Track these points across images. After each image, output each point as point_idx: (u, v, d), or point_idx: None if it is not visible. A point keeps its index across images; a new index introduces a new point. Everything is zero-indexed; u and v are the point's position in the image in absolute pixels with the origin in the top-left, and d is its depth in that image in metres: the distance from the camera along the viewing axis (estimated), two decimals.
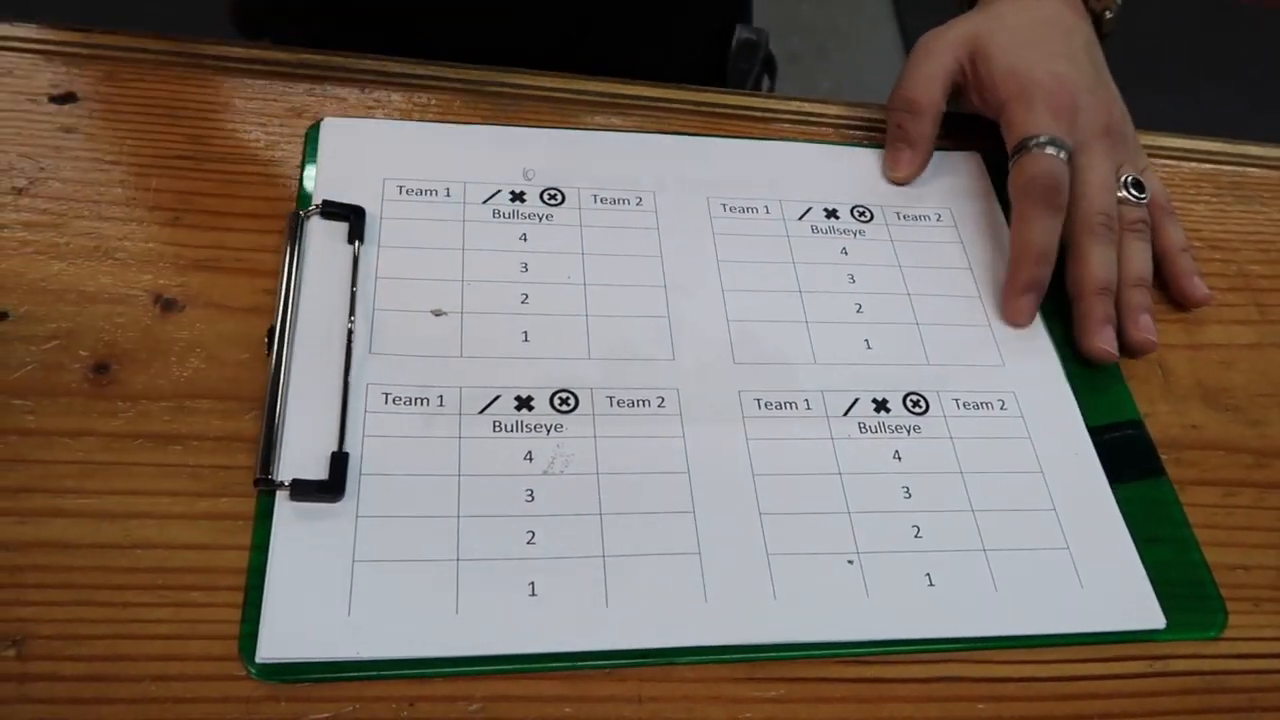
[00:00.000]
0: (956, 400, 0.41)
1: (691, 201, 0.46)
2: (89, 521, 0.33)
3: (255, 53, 0.47)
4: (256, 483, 0.34)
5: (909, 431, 0.40)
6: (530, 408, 0.38)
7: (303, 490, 0.34)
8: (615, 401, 0.39)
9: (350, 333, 0.38)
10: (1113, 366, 0.44)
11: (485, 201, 0.44)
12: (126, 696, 0.31)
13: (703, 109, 0.50)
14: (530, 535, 0.35)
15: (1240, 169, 0.54)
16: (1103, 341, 0.43)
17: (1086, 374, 0.43)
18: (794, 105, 0.52)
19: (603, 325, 0.41)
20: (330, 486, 0.34)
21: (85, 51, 0.46)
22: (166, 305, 0.38)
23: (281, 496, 0.34)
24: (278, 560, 0.33)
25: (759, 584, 0.35)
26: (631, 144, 0.48)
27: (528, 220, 0.43)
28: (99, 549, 0.33)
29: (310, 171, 0.43)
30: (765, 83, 0.71)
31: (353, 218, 0.41)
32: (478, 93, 0.48)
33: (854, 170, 0.49)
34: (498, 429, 0.37)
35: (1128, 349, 0.44)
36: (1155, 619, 0.37)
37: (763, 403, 0.40)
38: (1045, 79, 0.46)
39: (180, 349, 0.37)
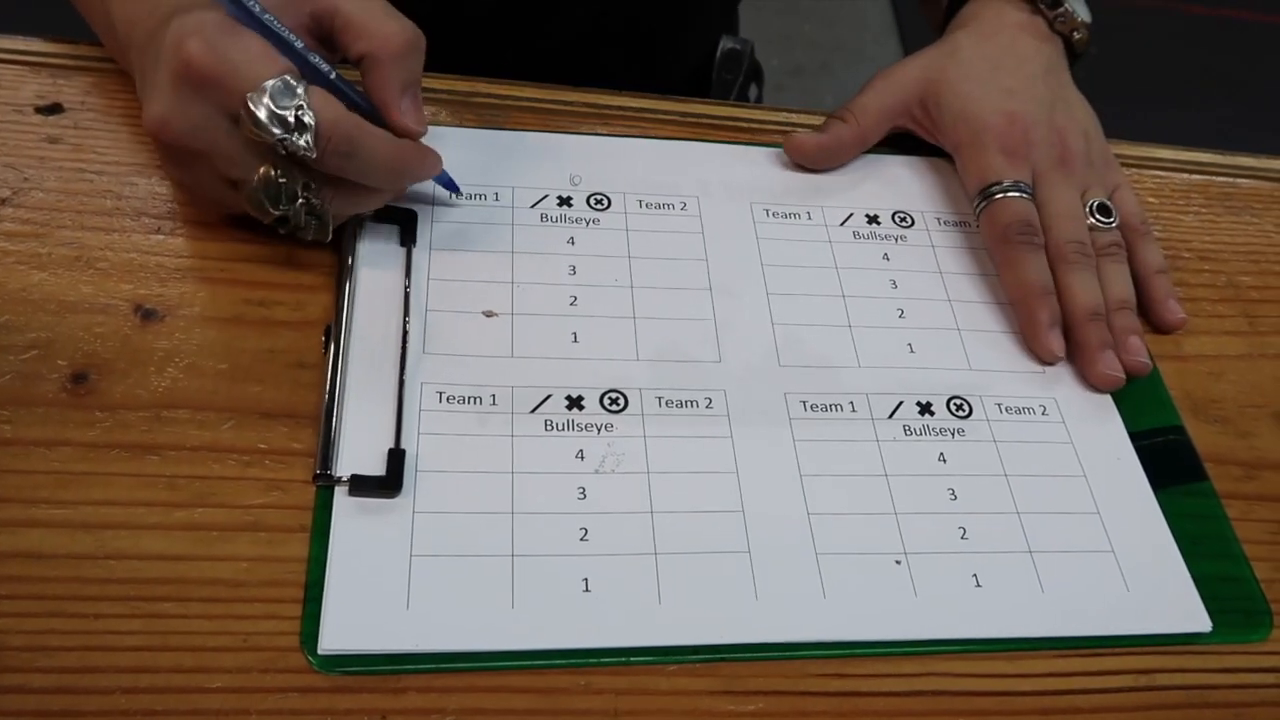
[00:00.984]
0: (999, 405, 0.42)
1: (735, 207, 0.46)
2: (63, 532, 0.33)
3: None
4: (315, 478, 0.35)
5: (953, 434, 0.40)
6: (581, 407, 0.38)
7: (361, 486, 0.35)
8: (664, 402, 0.39)
9: (406, 332, 0.39)
10: (1153, 372, 0.44)
11: (533, 206, 0.44)
12: (96, 709, 0.30)
13: (688, 119, 0.50)
14: (583, 532, 0.35)
15: (1231, 180, 0.54)
16: (1106, 368, 0.43)
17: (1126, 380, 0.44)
18: (780, 116, 0.52)
19: (650, 327, 0.41)
20: (388, 482, 0.35)
21: (72, 63, 0.46)
22: (147, 315, 0.38)
23: (340, 492, 0.35)
24: (337, 555, 0.33)
25: (809, 583, 0.35)
26: (673, 151, 0.48)
27: (575, 224, 0.44)
28: (73, 560, 0.33)
29: None
30: (754, 91, 0.72)
31: (404, 221, 0.42)
32: (463, 104, 0.48)
33: (893, 177, 0.50)
34: (549, 428, 0.38)
35: None
36: (1201, 622, 0.37)
37: (808, 405, 0.40)
38: (994, 120, 0.46)
39: (159, 359, 0.37)
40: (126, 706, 0.31)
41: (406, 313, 0.39)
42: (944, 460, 0.39)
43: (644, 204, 0.46)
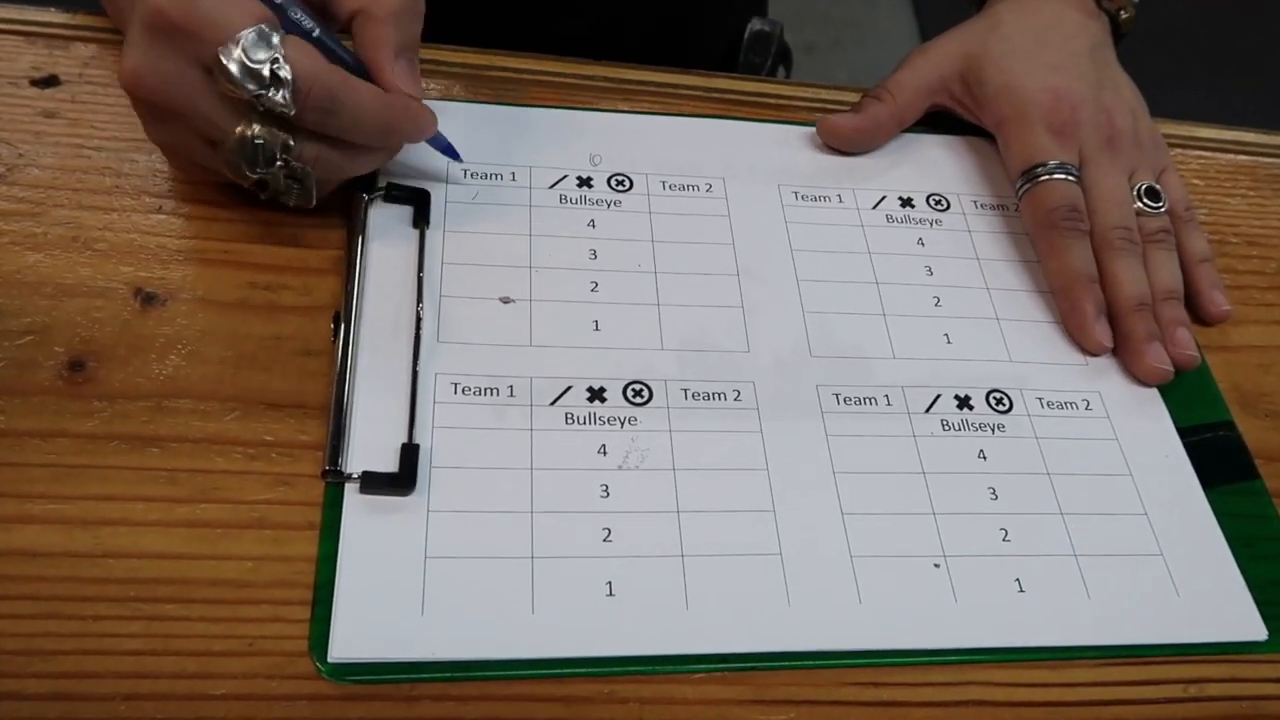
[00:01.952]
0: (1040, 399, 0.40)
1: (762, 188, 0.44)
2: (59, 529, 0.31)
3: None
4: (324, 474, 0.33)
5: (993, 430, 0.38)
6: (603, 400, 0.36)
7: (373, 483, 0.33)
8: (690, 394, 0.37)
9: (419, 319, 0.37)
10: (1202, 365, 0.42)
11: (552, 186, 0.42)
12: (94, 716, 0.29)
13: (714, 95, 0.48)
14: (606, 532, 0.33)
15: None
16: (1154, 361, 0.41)
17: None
18: (810, 92, 0.50)
19: (675, 315, 0.39)
20: (401, 480, 0.33)
21: (69, 33, 0.44)
22: (147, 299, 0.36)
23: (350, 490, 0.33)
24: (347, 557, 0.32)
25: (844, 587, 0.34)
26: (698, 129, 0.46)
27: (596, 206, 0.42)
28: (69, 558, 0.31)
29: None
30: (781, 73, 0.70)
31: (418, 201, 0.40)
32: (478, 78, 0.46)
33: (928, 158, 0.47)
34: (570, 421, 0.36)
35: None
36: (1256, 630, 0.35)
37: (841, 398, 0.38)
38: (1041, 95, 0.44)
39: (160, 346, 0.35)
40: (126, 714, 0.29)
41: (420, 299, 0.37)
42: (984, 457, 0.38)
43: (667, 185, 0.43)
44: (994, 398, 0.39)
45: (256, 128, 0.34)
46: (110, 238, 0.38)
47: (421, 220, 0.39)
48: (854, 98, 0.49)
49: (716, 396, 0.37)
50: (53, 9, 0.45)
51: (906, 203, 0.45)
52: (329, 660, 0.30)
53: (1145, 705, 0.34)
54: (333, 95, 0.34)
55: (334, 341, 0.36)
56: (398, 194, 0.40)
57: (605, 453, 0.35)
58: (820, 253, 0.42)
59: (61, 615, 0.30)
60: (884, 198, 0.45)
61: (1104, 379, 0.41)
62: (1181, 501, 0.38)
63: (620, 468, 0.35)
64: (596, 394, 0.37)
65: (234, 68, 0.32)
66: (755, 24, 0.67)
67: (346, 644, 0.30)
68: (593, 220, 0.42)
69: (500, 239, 0.40)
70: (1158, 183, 0.45)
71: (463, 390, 0.36)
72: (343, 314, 0.36)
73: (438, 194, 0.41)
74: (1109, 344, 0.41)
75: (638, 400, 0.37)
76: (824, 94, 0.50)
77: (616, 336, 0.38)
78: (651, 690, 0.32)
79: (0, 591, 0.30)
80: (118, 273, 0.37)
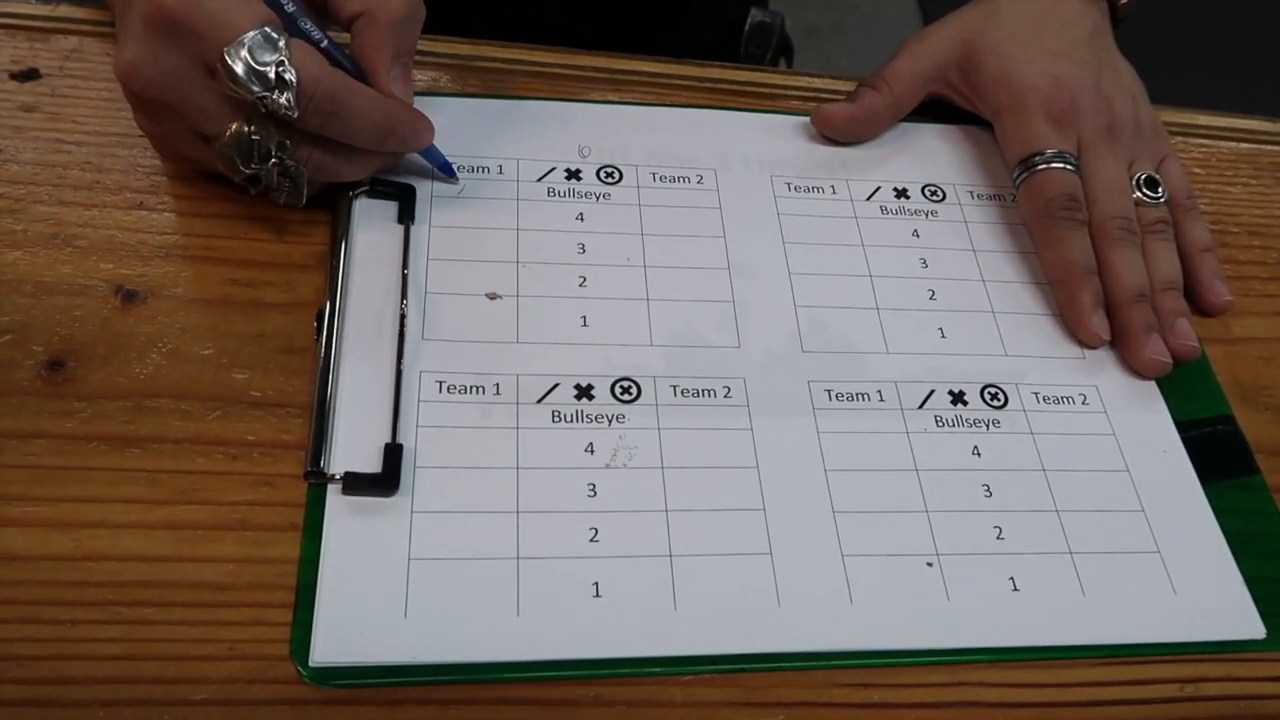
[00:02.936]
0: (1036, 394, 0.39)
1: (754, 180, 0.43)
2: (37, 531, 0.31)
3: None
4: (307, 475, 0.33)
5: (988, 426, 0.38)
6: (590, 397, 0.36)
7: (355, 484, 0.32)
8: (679, 391, 0.37)
9: (403, 316, 0.36)
10: (1201, 357, 0.41)
11: (539, 179, 0.42)
12: None
13: (705, 84, 0.47)
14: (593, 532, 0.33)
15: None
16: (1153, 353, 0.40)
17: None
18: (803, 81, 0.49)
19: (665, 310, 0.39)
20: (384, 480, 0.33)
21: (50, 26, 0.43)
22: (128, 297, 0.36)
23: (333, 490, 0.33)
24: (329, 560, 0.31)
25: (835, 587, 0.33)
26: (689, 120, 0.45)
27: (584, 199, 0.41)
28: (47, 561, 0.30)
29: None
30: (782, 64, 0.69)
31: (403, 196, 0.39)
32: (466, 68, 0.45)
33: (923, 148, 0.47)
34: (557, 419, 0.35)
35: None
36: (1254, 628, 0.35)
37: (833, 394, 0.38)
38: (1040, 82, 0.43)
39: (141, 344, 0.35)
40: None
41: (404, 295, 0.37)
42: (978, 454, 0.37)
43: (658, 177, 0.43)
44: (989, 393, 0.39)
45: (251, 126, 0.34)
46: (91, 234, 0.38)
47: (406, 215, 0.39)
48: (849, 87, 0.48)
49: (706, 393, 0.37)
50: (33, 1, 0.44)
51: (901, 193, 0.44)
52: (311, 664, 0.30)
53: (1141, 705, 0.33)
54: (335, 99, 0.34)
55: (317, 339, 0.35)
56: (383, 189, 0.39)
57: (592, 451, 0.35)
58: (813, 245, 0.42)
59: (39, 620, 0.30)
60: (879, 188, 0.44)
61: (1101, 373, 0.40)
62: (1179, 498, 0.37)
63: (608, 466, 0.34)
64: (584, 391, 0.36)
65: (239, 68, 0.32)
66: (756, 15, 0.66)
67: (328, 648, 0.30)
68: (581, 213, 0.41)
69: (487, 234, 0.39)
70: (1158, 171, 0.44)
71: (448, 388, 0.35)
72: (326, 311, 0.36)
73: (423, 188, 0.40)
74: (1106, 336, 0.40)
75: (626, 398, 0.36)
76: (819, 83, 0.49)
77: (605, 332, 0.38)
78: (639, 693, 0.31)
79: None
80: (98, 270, 0.37)
